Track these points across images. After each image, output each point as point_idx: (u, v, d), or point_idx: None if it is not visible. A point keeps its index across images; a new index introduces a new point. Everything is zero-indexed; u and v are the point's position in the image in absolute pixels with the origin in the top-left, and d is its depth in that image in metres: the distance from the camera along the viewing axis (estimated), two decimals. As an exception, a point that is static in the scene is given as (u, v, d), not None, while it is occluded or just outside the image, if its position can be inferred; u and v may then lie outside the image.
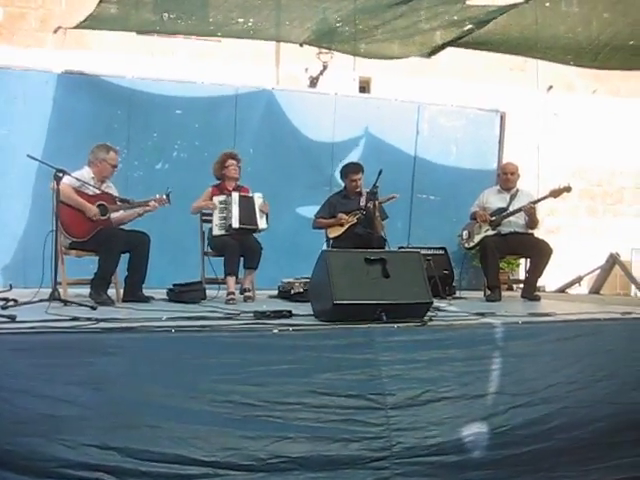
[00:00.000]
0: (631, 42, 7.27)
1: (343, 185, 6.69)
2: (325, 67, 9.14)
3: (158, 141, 7.80)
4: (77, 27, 6.83)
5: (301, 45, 8.08)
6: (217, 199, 6.06)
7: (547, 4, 6.93)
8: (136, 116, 7.66)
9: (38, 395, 3.06)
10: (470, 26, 7.53)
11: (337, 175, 7.02)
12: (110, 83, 7.61)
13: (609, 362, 4.17)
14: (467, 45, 7.99)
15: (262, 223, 6.06)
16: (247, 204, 6.02)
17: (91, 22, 6.69)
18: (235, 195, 6.00)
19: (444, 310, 4.86)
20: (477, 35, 7.68)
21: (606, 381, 4.09)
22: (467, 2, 6.96)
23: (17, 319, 3.64)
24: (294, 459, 3.27)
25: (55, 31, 7.08)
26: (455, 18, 7.38)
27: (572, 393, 3.97)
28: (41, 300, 4.53)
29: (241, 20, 7.08)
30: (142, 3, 6.42)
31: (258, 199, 6.08)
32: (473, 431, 3.68)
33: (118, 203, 5.58)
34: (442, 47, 8.07)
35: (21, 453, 2.92)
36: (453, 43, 7.92)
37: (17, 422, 2.96)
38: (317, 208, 6.68)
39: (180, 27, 7.35)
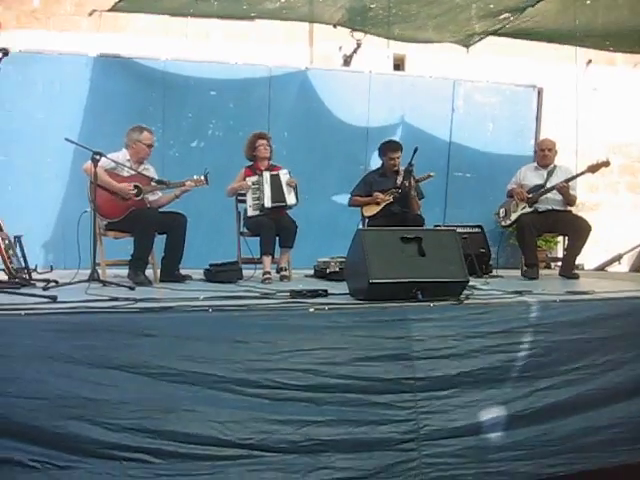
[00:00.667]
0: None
1: (381, 162, 6.66)
2: (359, 45, 9.03)
3: (193, 122, 7.84)
4: (111, 10, 6.87)
5: (335, 26, 8.05)
6: (250, 180, 6.09)
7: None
8: (171, 97, 7.70)
9: (80, 379, 3.15)
10: (506, 14, 7.46)
11: (372, 161, 6.99)
12: (144, 66, 7.66)
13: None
14: (504, 35, 7.94)
15: (291, 199, 6.06)
16: (275, 182, 6.04)
17: (125, 4, 6.72)
18: (266, 174, 6.04)
19: (480, 289, 4.82)
20: (513, 26, 7.67)
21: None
22: None
23: (58, 300, 3.71)
24: (325, 442, 3.33)
25: (90, 14, 7.12)
26: (491, 7, 7.31)
27: (605, 374, 3.94)
28: (81, 281, 4.61)
29: None
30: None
31: (284, 176, 6.09)
32: (501, 413, 3.69)
33: (153, 184, 5.63)
34: (480, 39, 8.03)
35: (69, 435, 3.03)
36: (490, 34, 7.89)
37: (63, 406, 3.06)
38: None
39: (213, 9, 7.33)
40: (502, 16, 7.61)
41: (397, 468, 3.42)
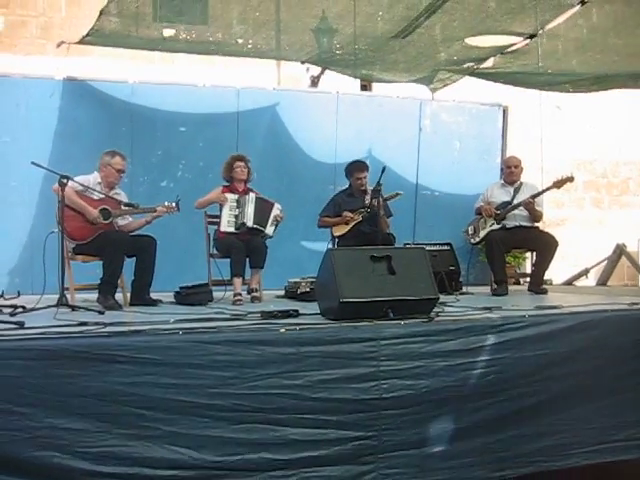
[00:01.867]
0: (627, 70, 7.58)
1: (348, 183, 6.69)
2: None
3: (163, 159, 7.81)
4: (79, 43, 6.83)
5: (302, 63, 8.13)
6: (230, 196, 6.09)
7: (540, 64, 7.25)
8: (139, 130, 7.62)
9: (52, 408, 3.16)
10: (470, 63, 7.72)
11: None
12: (110, 95, 7.58)
13: (607, 353, 4.25)
14: (470, 75, 8.20)
15: (270, 230, 6.12)
16: (264, 207, 6.09)
17: (92, 38, 6.69)
18: (252, 195, 6.08)
19: (451, 305, 4.85)
20: (479, 70, 8.02)
21: (601, 371, 4.22)
22: (466, 40, 7.03)
23: (25, 325, 3.66)
24: (288, 460, 3.46)
25: (58, 45, 7.08)
26: (455, 58, 7.59)
27: (561, 384, 4.10)
28: (49, 306, 4.55)
29: (240, 41, 7.11)
30: (142, 16, 6.42)
31: (276, 209, 6.13)
32: (457, 425, 3.82)
33: (123, 207, 5.60)
34: (444, 85, 8.41)
35: (43, 465, 3.08)
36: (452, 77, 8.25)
37: (36, 437, 3.10)
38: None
39: (181, 46, 7.35)
40: (466, 65, 7.88)
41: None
